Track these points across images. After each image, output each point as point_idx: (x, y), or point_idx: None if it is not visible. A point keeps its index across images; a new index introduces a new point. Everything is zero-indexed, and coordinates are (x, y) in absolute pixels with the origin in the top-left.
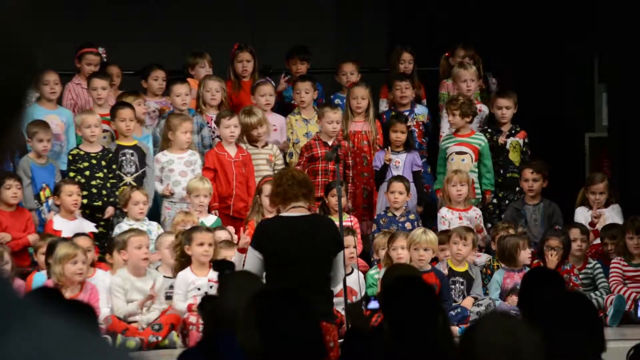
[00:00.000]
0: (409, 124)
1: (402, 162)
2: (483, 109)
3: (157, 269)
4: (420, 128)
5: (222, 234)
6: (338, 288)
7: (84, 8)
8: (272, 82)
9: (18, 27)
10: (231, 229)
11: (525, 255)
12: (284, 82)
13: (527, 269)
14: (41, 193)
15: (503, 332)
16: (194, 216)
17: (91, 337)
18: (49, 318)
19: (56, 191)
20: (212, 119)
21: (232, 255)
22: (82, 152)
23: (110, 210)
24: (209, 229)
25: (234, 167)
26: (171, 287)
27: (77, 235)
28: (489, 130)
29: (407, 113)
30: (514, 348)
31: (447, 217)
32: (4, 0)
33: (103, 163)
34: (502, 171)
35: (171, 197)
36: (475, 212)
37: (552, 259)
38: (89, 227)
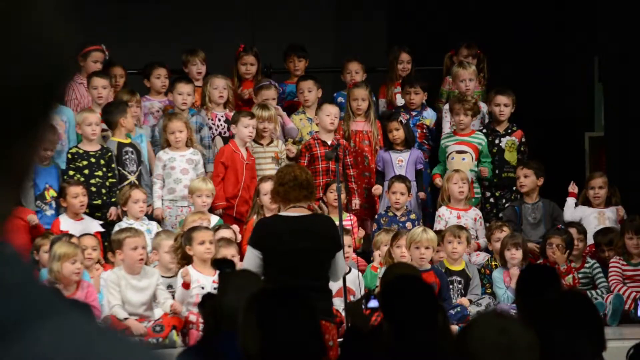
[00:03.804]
0: (400, 119)
1: (405, 160)
2: (483, 107)
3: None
4: (424, 131)
5: (225, 233)
6: (337, 287)
7: (84, 8)
8: (276, 84)
9: (52, 24)
10: (235, 227)
11: (508, 255)
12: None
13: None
14: (45, 193)
15: (497, 331)
16: (208, 215)
17: (115, 333)
18: (74, 313)
19: (61, 193)
20: (216, 117)
21: (231, 253)
22: (81, 151)
23: (113, 211)
24: (208, 227)
25: (245, 169)
26: (169, 286)
27: (84, 235)
28: (484, 130)
29: (414, 114)
30: (509, 347)
31: (445, 217)
32: None
33: (102, 162)
34: (497, 171)
35: (173, 181)
36: (475, 213)
37: (557, 256)
38: (95, 226)
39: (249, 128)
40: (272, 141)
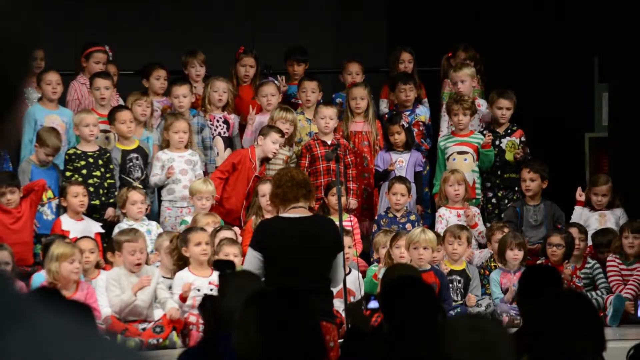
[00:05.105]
0: (402, 123)
1: (405, 162)
2: (482, 104)
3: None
4: (421, 128)
5: (226, 234)
6: (338, 288)
7: (85, 8)
8: (275, 81)
9: (11, 21)
10: (236, 229)
11: (510, 255)
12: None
13: (523, 269)
14: (43, 195)
15: (469, 329)
16: (218, 218)
17: (92, 335)
18: (50, 317)
19: (62, 193)
20: (214, 118)
21: (234, 252)
22: (79, 152)
23: (110, 212)
24: (204, 229)
25: (253, 180)
26: (171, 287)
27: (81, 238)
28: (484, 132)
29: (408, 113)
30: (482, 343)
31: (445, 216)
32: None
33: (100, 162)
34: (499, 172)
35: (172, 182)
36: (474, 210)
37: (556, 254)
38: (96, 227)
39: (276, 145)
40: (284, 145)
